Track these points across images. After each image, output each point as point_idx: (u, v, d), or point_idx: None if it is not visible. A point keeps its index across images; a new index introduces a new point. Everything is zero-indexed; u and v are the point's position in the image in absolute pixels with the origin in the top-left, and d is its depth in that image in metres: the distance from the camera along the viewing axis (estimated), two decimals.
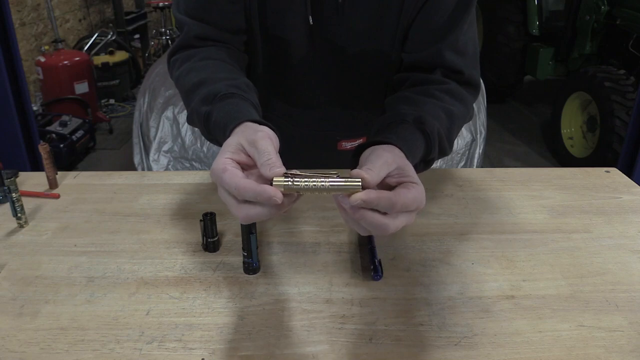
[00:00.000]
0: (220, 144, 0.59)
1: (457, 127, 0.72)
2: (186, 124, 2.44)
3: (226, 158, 0.51)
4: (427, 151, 0.65)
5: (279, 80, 0.85)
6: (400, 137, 0.59)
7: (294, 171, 0.49)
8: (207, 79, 0.68)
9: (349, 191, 0.47)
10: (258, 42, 0.80)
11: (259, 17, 0.77)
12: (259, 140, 0.51)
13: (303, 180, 0.48)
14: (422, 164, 0.67)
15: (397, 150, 0.55)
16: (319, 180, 0.48)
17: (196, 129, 2.63)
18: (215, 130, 0.62)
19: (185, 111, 2.46)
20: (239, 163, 0.51)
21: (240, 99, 0.63)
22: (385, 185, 0.51)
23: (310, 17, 0.75)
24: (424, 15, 0.74)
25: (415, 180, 0.51)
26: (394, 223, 0.48)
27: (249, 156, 0.51)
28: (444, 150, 0.69)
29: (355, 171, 0.48)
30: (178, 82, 0.75)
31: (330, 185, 0.47)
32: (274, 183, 0.48)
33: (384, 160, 0.51)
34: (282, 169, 0.48)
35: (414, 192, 0.49)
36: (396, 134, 0.60)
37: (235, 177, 0.48)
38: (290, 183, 0.48)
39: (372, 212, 0.47)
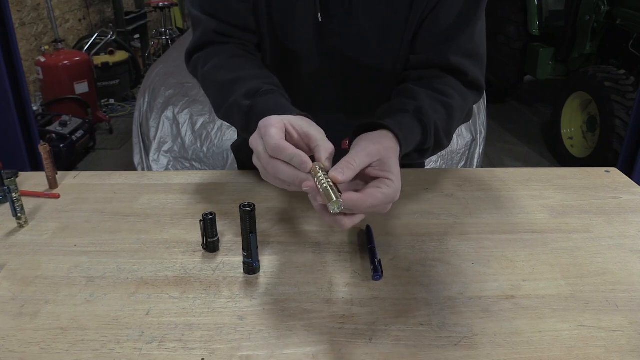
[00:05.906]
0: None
1: (456, 120, 0.74)
2: (186, 124, 2.43)
3: (283, 122, 0.57)
4: (423, 141, 0.68)
5: (286, 79, 0.85)
6: (397, 123, 0.63)
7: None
8: (242, 76, 0.72)
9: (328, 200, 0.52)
10: (266, 42, 0.81)
11: (267, 16, 0.78)
12: (321, 135, 0.58)
13: (323, 179, 0.53)
14: (416, 153, 0.70)
15: (388, 138, 0.59)
16: (325, 183, 0.53)
17: (201, 129, 2.60)
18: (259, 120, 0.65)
19: (185, 111, 2.48)
20: (287, 135, 0.57)
21: (281, 96, 0.68)
22: (364, 175, 0.57)
23: (320, 15, 0.75)
24: (434, 16, 0.74)
25: (393, 176, 0.55)
26: (352, 220, 0.54)
27: (299, 137, 0.58)
28: (441, 142, 0.72)
29: (331, 174, 0.53)
30: (206, 77, 0.77)
31: (324, 187, 0.52)
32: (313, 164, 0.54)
33: (367, 152, 0.55)
34: (328, 165, 0.55)
35: (385, 190, 0.54)
36: (395, 120, 0.64)
37: (278, 137, 0.55)
38: (320, 174, 0.53)
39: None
